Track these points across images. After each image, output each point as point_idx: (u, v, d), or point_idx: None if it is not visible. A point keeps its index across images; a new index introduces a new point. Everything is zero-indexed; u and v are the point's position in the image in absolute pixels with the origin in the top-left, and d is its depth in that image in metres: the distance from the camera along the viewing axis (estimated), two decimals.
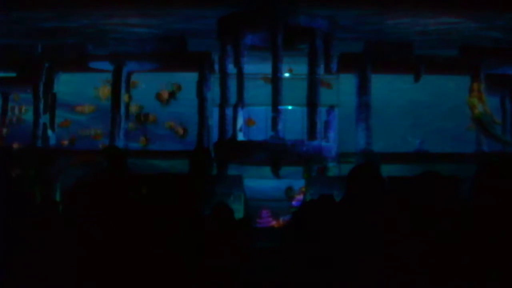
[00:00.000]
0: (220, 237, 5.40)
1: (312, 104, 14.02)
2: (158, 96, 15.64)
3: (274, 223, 14.22)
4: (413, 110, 20.17)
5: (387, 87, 17.17)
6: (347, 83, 15.32)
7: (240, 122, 14.09)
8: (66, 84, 16.07)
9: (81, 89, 16.51)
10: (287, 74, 15.73)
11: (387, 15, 14.65)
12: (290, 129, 15.66)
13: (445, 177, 4.33)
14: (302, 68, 14.56)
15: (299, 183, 14.83)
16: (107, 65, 15.29)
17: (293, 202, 14.75)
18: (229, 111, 14.17)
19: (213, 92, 15.05)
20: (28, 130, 15.45)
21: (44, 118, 15.40)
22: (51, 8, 14.16)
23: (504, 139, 15.21)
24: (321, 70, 14.21)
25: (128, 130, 15.58)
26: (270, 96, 13.97)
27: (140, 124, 15.75)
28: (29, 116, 15.81)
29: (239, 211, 11.78)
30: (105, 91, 15.54)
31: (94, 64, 15.43)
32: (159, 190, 4.16)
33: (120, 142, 15.18)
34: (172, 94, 15.57)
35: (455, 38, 15.60)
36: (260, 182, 14.91)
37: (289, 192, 15.51)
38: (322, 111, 14.16)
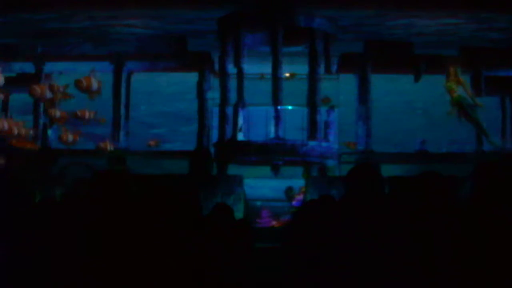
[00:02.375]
0: (220, 237, 5.39)
1: (312, 104, 14.02)
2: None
3: (274, 223, 14.21)
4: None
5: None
6: (347, 83, 15.34)
7: (240, 122, 14.08)
8: None
9: None
10: (287, 74, 15.72)
11: (387, 16, 14.66)
12: (290, 129, 15.66)
13: (445, 177, 4.33)
14: (302, 68, 14.56)
15: (299, 183, 14.81)
16: (107, 65, 15.29)
17: (293, 202, 14.74)
18: (229, 111, 14.17)
19: (213, 92, 15.06)
20: None
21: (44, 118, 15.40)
22: (54, 10, 14.15)
23: (482, 125, 15.11)
24: (321, 70, 14.22)
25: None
26: (270, 96, 13.97)
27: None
28: None
29: (239, 211, 11.77)
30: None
31: (94, 64, 15.42)
32: (159, 190, 4.17)
33: (122, 143, 15.20)
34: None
35: (455, 39, 15.61)
36: (260, 182, 14.89)
37: (289, 192, 15.50)
38: (322, 111, 14.17)
